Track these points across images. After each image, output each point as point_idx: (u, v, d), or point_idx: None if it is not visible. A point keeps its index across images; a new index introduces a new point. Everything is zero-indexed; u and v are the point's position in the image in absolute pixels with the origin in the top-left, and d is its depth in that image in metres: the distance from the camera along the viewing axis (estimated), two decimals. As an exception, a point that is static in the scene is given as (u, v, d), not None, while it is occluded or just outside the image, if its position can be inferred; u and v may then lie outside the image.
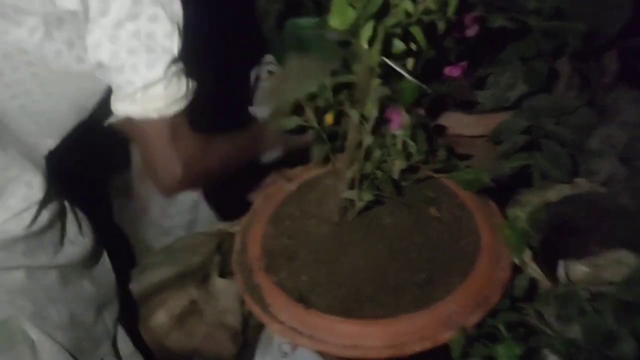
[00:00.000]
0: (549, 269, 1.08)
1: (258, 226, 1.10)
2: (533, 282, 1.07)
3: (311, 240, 1.03)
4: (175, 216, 1.55)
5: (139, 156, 1.53)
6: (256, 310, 0.99)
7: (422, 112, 1.00)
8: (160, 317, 1.39)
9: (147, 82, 0.81)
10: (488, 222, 1.06)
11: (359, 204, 0.94)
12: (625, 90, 1.19)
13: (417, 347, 0.90)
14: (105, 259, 1.16)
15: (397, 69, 0.77)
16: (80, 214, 1.09)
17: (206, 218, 1.58)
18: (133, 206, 1.66)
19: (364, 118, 0.86)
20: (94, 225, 1.13)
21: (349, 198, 0.94)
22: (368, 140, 0.88)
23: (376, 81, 0.82)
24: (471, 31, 0.83)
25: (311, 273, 0.99)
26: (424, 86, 0.80)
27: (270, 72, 1.63)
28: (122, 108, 0.85)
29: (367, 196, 0.93)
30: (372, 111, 0.84)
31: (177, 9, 0.81)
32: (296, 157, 1.14)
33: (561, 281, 1.08)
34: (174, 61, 0.82)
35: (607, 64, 1.29)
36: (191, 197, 1.52)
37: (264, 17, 1.67)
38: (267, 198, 1.17)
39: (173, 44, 0.81)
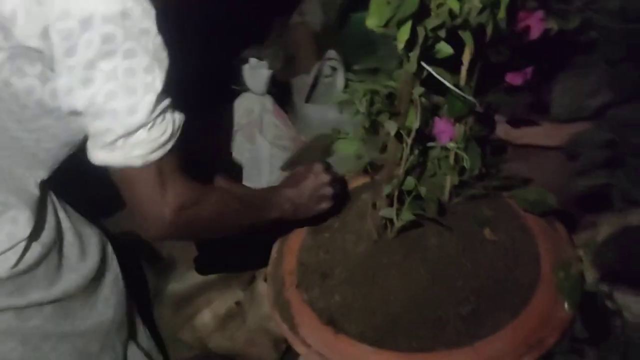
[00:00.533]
0: (619, 306, 0.94)
1: (297, 236, 1.04)
2: (599, 322, 0.93)
3: (347, 258, 0.94)
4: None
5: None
6: (284, 329, 0.92)
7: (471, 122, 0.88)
8: (204, 317, 1.37)
9: (129, 129, 0.71)
10: (552, 250, 0.93)
11: (398, 224, 0.85)
12: None
13: (452, 390, 0.80)
14: (117, 279, 1.07)
15: (439, 77, 0.67)
16: (88, 231, 1.01)
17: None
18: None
19: (405, 129, 0.76)
20: (106, 238, 1.05)
21: (386, 216, 0.85)
22: (408, 154, 0.78)
23: (418, 89, 0.72)
24: (534, 33, 0.71)
25: (344, 294, 0.91)
26: (471, 99, 0.69)
27: (333, 68, 1.55)
28: (101, 157, 0.74)
29: (407, 216, 0.83)
30: (413, 123, 0.74)
31: (154, 37, 0.70)
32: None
33: (633, 321, 0.93)
34: (159, 99, 0.72)
35: None
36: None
37: (326, 10, 1.60)
38: (310, 206, 1.10)
39: (155, 79, 0.71)
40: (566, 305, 0.78)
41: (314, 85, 1.56)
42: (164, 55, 0.72)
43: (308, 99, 1.55)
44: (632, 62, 1.03)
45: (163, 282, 1.42)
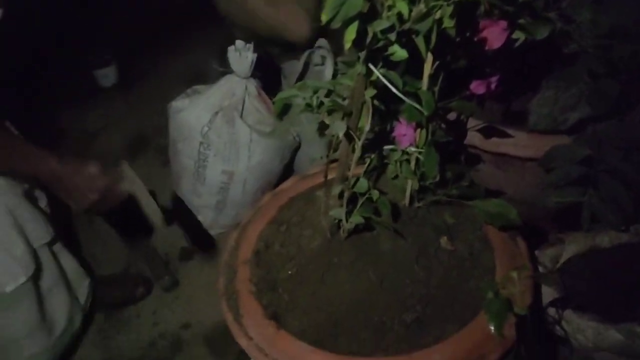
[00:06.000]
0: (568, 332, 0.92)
1: (256, 226, 1.02)
2: (559, 342, 0.92)
3: (300, 253, 0.93)
4: (204, 195, 1.50)
5: (173, 131, 1.49)
6: (228, 318, 0.91)
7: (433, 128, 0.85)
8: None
9: None
10: (509, 265, 0.91)
11: (347, 225, 0.83)
12: None
13: (384, 399, 0.78)
14: None
15: (385, 81, 0.64)
16: None
17: (237, 202, 1.52)
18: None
19: (357, 131, 0.74)
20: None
21: (335, 217, 0.83)
22: (359, 155, 0.76)
23: (370, 91, 0.70)
24: (496, 43, 0.68)
25: (292, 290, 0.90)
26: (417, 106, 0.66)
27: (322, 57, 1.52)
28: None
29: (357, 219, 0.81)
30: (365, 124, 0.72)
31: None
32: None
33: (586, 346, 0.91)
34: None
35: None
36: (220, 179, 1.46)
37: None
38: (275, 196, 1.09)
39: None
40: (492, 328, 0.76)
41: (303, 72, 1.54)
42: None
43: (295, 86, 1.53)
44: (615, 78, 1.00)
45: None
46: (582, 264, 1.03)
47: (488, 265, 0.91)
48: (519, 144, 1.11)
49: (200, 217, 1.56)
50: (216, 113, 1.40)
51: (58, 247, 1.25)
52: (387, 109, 0.73)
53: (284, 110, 0.82)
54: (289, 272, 0.92)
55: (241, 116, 1.40)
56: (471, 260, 0.92)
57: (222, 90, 1.41)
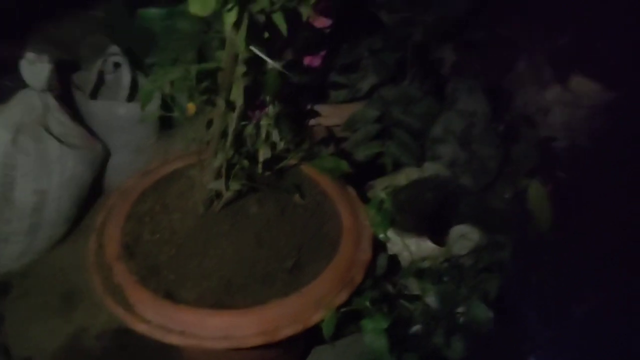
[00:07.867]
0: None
1: (115, 224, 1.04)
2: (394, 259, 1.14)
3: (176, 235, 0.99)
4: (14, 221, 1.40)
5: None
6: (119, 312, 0.93)
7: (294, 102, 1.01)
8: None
9: None
10: (348, 207, 1.10)
11: (227, 194, 0.93)
12: (460, 80, 1.31)
13: (289, 331, 0.91)
14: None
15: (263, 56, 0.77)
16: None
17: (53, 222, 1.44)
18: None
19: (229, 106, 0.85)
20: None
21: (215, 189, 0.92)
22: (233, 128, 0.87)
23: (241, 68, 0.81)
24: (325, 22, 0.86)
25: (178, 268, 0.96)
26: (288, 74, 0.81)
27: (115, 65, 1.54)
28: None
29: (235, 185, 0.92)
30: (238, 99, 0.84)
31: None
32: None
33: (413, 257, 1.16)
34: None
35: (444, 56, 1.41)
36: (32, 200, 1.38)
37: (110, 6, 1.58)
38: (122, 194, 1.11)
39: None
40: (381, 235, 0.96)
41: (99, 81, 1.53)
42: None
43: (94, 96, 1.52)
44: (390, 51, 1.28)
45: None
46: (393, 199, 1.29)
47: (333, 210, 1.09)
48: (327, 115, 1.33)
49: (9, 247, 1.44)
50: (18, 131, 1.32)
51: None
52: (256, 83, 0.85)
53: (147, 100, 0.88)
54: (169, 255, 0.97)
55: (48, 130, 1.35)
56: (319, 209, 1.09)
57: (19, 107, 1.34)
